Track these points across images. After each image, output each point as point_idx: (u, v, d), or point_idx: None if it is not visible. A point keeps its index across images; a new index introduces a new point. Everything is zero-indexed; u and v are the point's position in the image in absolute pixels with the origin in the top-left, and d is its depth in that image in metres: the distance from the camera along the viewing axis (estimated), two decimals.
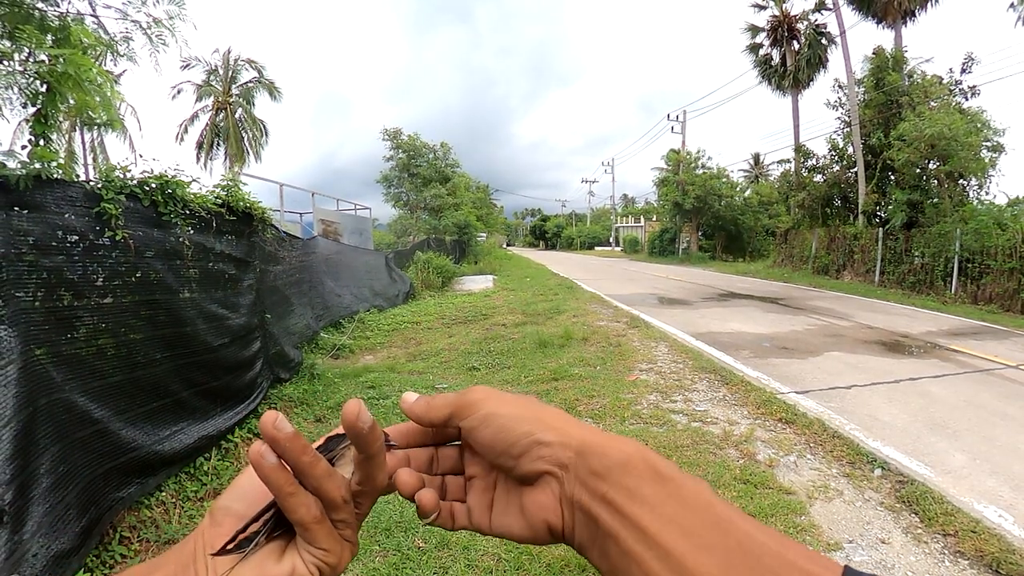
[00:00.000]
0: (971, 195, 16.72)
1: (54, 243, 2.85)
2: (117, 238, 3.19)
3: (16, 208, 2.63)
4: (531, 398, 0.46)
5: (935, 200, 16.48)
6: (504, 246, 71.16)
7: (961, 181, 16.62)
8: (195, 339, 3.96)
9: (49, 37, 3.30)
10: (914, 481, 3.78)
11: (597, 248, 68.06)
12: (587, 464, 0.39)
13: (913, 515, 3.42)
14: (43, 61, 3.14)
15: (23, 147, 2.92)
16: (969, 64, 17.45)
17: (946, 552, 3.07)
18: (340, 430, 0.43)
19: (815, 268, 20.92)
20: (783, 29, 25.89)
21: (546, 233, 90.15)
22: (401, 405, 0.48)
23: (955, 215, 15.05)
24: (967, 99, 17.56)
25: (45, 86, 3.09)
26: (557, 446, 0.40)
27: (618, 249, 58.35)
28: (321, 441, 0.44)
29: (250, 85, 34.75)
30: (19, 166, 2.67)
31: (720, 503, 0.36)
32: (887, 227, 17.46)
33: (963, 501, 3.56)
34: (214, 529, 0.41)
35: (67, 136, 22.72)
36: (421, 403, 0.47)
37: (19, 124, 3.41)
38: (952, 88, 17.67)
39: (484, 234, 39.73)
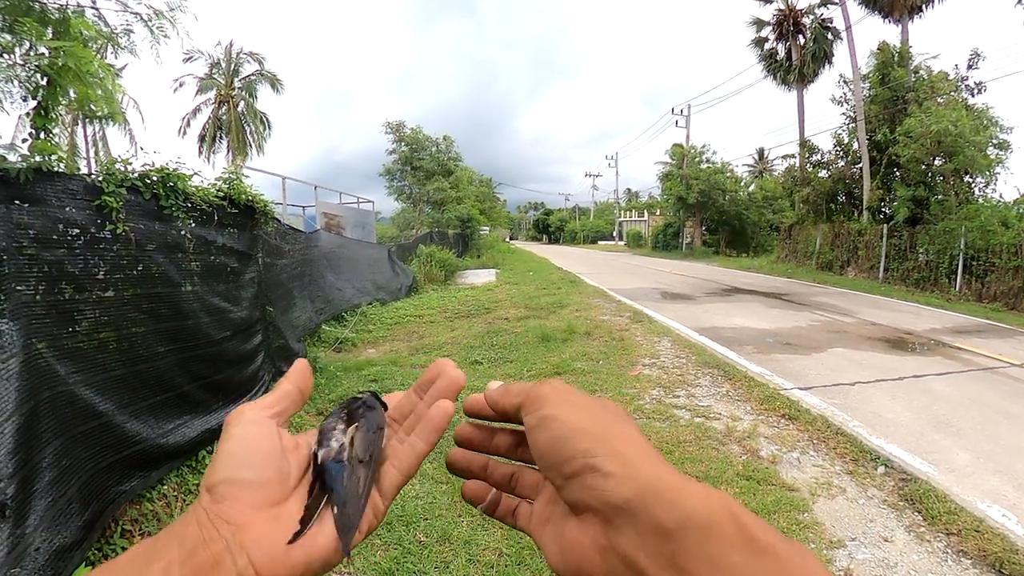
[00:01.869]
0: (977, 192, 16.64)
1: (55, 236, 2.84)
2: (118, 231, 3.18)
3: (17, 201, 2.62)
4: (608, 404, 0.40)
5: (940, 197, 16.40)
6: (507, 240, 71.15)
7: (967, 178, 16.53)
8: (197, 332, 3.95)
9: (49, 30, 3.28)
10: (917, 479, 3.76)
11: (600, 242, 67.99)
12: (652, 515, 0.30)
13: (916, 513, 3.41)
14: (43, 54, 3.12)
15: (24, 140, 2.91)
16: (975, 60, 17.34)
17: (949, 551, 3.05)
18: (360, 393, 0.44)
19: (819, 264, 20.85)
20: (789, 23, 25.74)
21: (549, 227, 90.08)
22: (485, 393, 0.46)
23: (960, 212, 14.97)
24: (973, 95, 17.46)
25: (46, 79, 3.07)
26: (616, 480, 0.33)
27: (622, 243, 58.26)
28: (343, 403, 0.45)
29: (252, 78, 34.70)
30: (20, 159, 2.66)
31: None
32: (892, 223, 17.38)
33: (966, 500, 3.55)
34: (223, 505, 0.36)
35: (69, 130, 22.73)
36: (500, 389, 0.44)
37: (20, 118, 3.39)
38: (958, 84, 17.54)
39: (487, 228, 39.73)
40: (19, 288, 2.59)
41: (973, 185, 16.75)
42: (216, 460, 0.38)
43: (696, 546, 0.29)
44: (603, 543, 0.33)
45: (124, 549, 2.99)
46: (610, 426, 0.37)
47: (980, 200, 15.94)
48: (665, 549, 0.29)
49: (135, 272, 3.38)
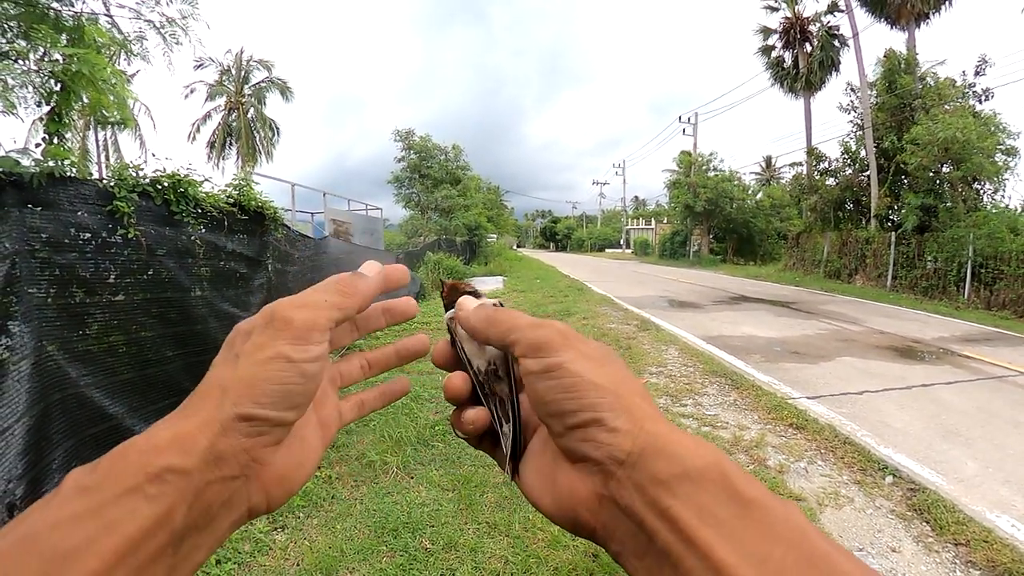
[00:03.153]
0: (985, 199, 16.56)
1: (67, 240, 2.87)
2: (129, 236, 3.21)
3: (30, 205, 2.65)
4: (609, 351, 0.39)
5: (948, 204, 16.32)
6: (514, 248, 71.19)
7: (976, 185, 16.46)
8: (207, 337, 3.97)
9: (64, 37, 3.33)
10: (925, 489, 3.73)
11: (608, 250, 67.96)
12: (651, 467, 0.32)
13: (924, 524, 3.38)
14: (57, 60, 3.17)
15: (37, 145, 2.95)
16: (983, 66, 17.29)
17: (957, 562, 3.02)
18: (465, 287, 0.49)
19: (827, 272, 20.77)
20: (795, 31, 25.76)
21: (556, 235, 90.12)
22: (457, 312, 0.45)
23: (968, 219, 14.90)
24: (981, 102, 17.40)
25: (59, 85, 3.11)
26: (622, 436, 0.33)
27: (629, 251, 58.20)
28: None
29: (262, 85, 34.99)
30: (33, 164, 2.69)
31: (816, 533, 0.29)
32: (900, 231, 17.31)
33: (975, 510, 3.52)
34: (255, 440, 0.35)
35: (81, 135, 22.95)
36: (481, 315, 0.43)
37: (33, 122, 3.43)
38: (965, 91, 17.50)
39: (494, 235, 39.76)
40: (31, 291, 2.62)
41: (982, 192, 16.67)
42: (262, 386, 0.35)
43: (688, 496, 0.30)
44: (602, 492, 0.34)
45: None
46: (621, 379, 0.37)
47: (988, 207, 15.86)
48: (662, 500, 0.31)
49: (145, 276, 3.40)
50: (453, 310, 0.47)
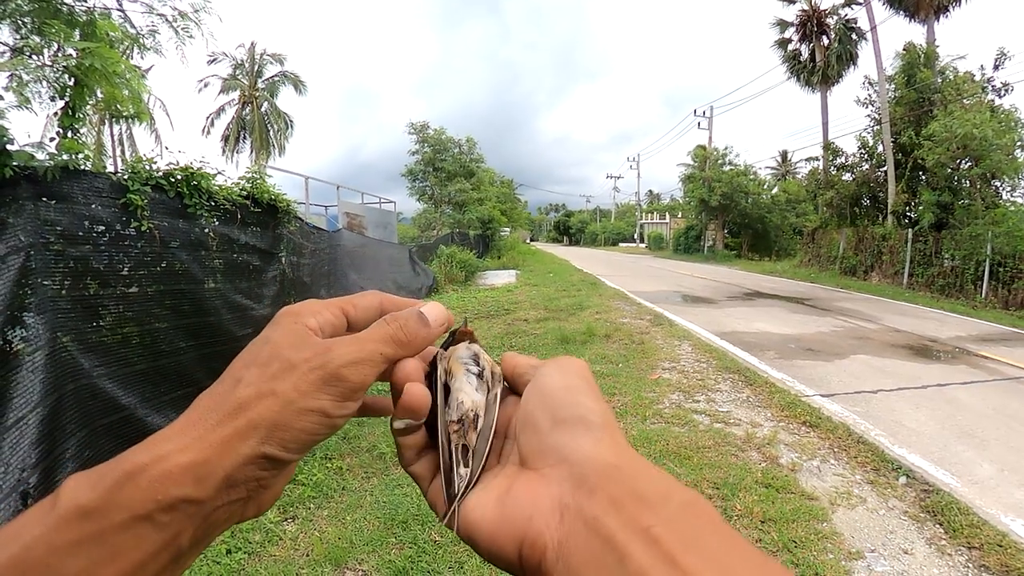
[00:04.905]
0: (1004, 196, 16.29)
1: (81, 233, 2.90)
2: (143, 228, 3.23)
3: (44, 199, 2.68)
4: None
5: (966, 201, 16.07)
6: (528, 241, 71.17)
7: (994, 182, 16.19)
8: (219, 329, 4.00)
9: (77, 32, 3.35)
10: (939, 491, 3.69)
11: (621, 244, 67.70)
12: (632, 483, 0.30)
13: (937, 526, 3.34)
14: (71, 55, 3.19)
15: (51, 139, 2.98)
16: (1002, 60, 16.96)
17: (970, 566, 2.98)
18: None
19: (842, 269, 20.55)
20: (812, 24, 25.42)
21: (570, 229, 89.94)
22: (509, 358, 0.44)
23: (987, 217, 14.67)
24: (1000, 96, 17.09)
25: (73, 80, 3.14)
26: (605, 445, 0.33)
27: (643, 246, 57.99)
28: None
29: (275, 79, 35.16)
30: (47, 157, 2.71)
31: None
32: (917, 228, 17.08)
33: (990, 513, 3.47)
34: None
35: (97, 129, 23.20)
36: (530, 360, 0.43)
37: (48, 117, 3.46)
38: (984, 85, 17.18)
39: (508, 229, 39.72)
40: (45, 283, 2.65)
41: (1000, 189, 16.40)
42: (294, 434, 0.35)
43: (671, 521, 0.28)
44: (568, 500, 0.31)
45: None
46: (609, 412, 0.36)
47: (1007, 204, 15.60)
48: (642, 518, 0.28)
49: (158, 269, 3.43)
50: (453, 347, 0.45)
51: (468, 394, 0.41)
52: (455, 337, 0.47)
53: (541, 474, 0.33)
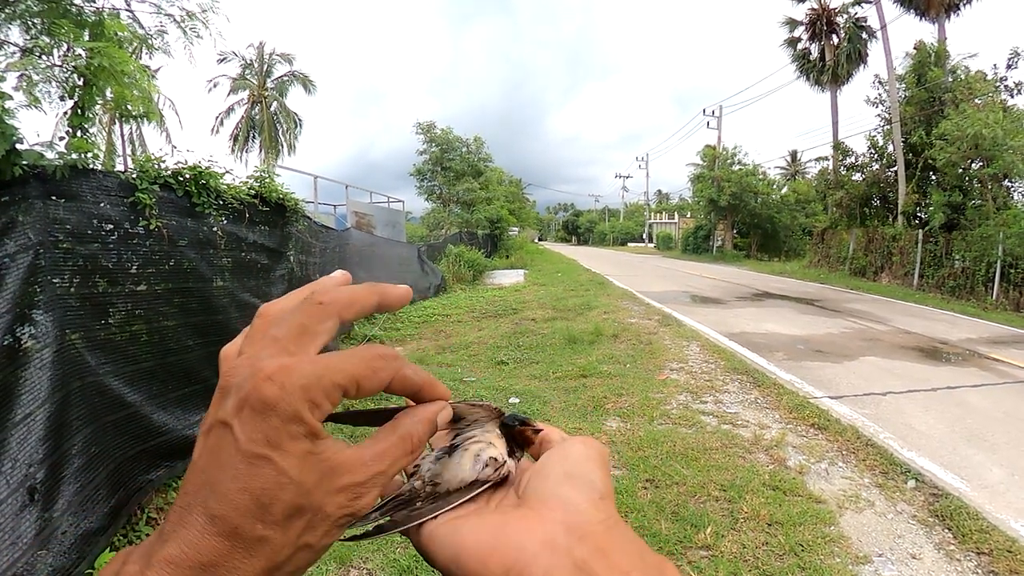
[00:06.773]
0: (1016, 197, 16.13)
1: (89, 231, 2.91)
2: (151, 227, 3.25)
3: (53, 197, 2.69)
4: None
5: (977, 202, 15.92)
6: (536, 241, 71.13)
7: (1006, 183, 16.02)
8: (227, 327, 4.02)
9: (86, 32, 3.37)
10: (949, 495, 3.65)
11: (630, 244, 67.60)
12: (619, 540, 0.33)
13: (946, 530, 3.31)
14: (80, 55, 3.21)
15: (61, 139, 2.99)
16: (1015, 59, 16.76)
17: (979, 571, 2.95)
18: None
19: (852, 269, 20.41)
20: (822, 23, 25.26)
21: (578, 228, 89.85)
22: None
23: (998, 218, 14.51)
24: (1013, 96, 16.90)
25: (82, 80, 3.16)
26: (605, 503, 0.35)
27: (651, 245, 57.83)
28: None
29: (284, 79, 35.29)
30: (56, 156, 2.73)
31: None
32: (927, 229, 16.92)
33: (999, 518, 3.43)
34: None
35: (107, 129, 23.36)
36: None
37: (58, 117, 3.49)
38: (997, 84, 16.99)
39: (516, 228, 39.71)
40: (54, 281, 2.66)
41: (1012, 190, 16.23)
42: (285, 568, 0.32)
43: (649, 571, 0.31)
44: (560, 542, 0.32)
45: (149, 536, 3.06)
46: (612, 491, 0.37)
47: (1019, 206, 15.42)
48: (623, 564, 0.31)
49: (167, 267, 3.45)
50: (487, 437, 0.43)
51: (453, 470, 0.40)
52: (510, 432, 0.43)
53: (539, 513, 0.35)
